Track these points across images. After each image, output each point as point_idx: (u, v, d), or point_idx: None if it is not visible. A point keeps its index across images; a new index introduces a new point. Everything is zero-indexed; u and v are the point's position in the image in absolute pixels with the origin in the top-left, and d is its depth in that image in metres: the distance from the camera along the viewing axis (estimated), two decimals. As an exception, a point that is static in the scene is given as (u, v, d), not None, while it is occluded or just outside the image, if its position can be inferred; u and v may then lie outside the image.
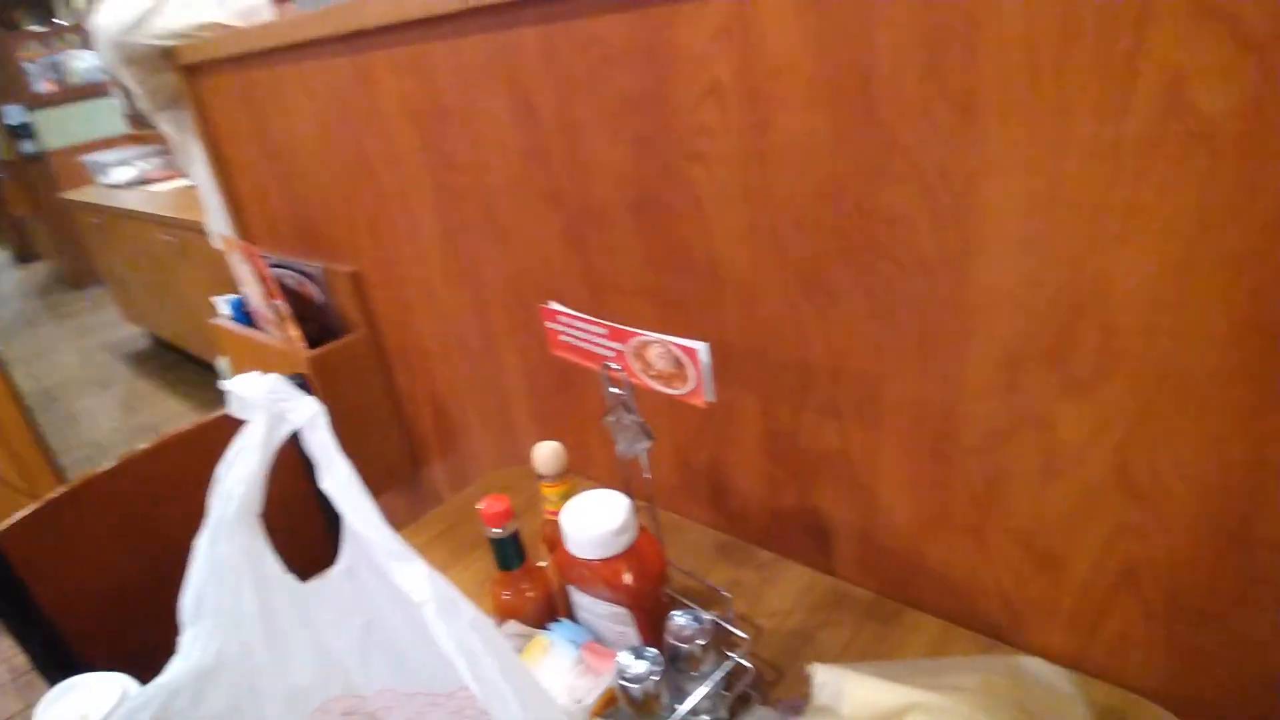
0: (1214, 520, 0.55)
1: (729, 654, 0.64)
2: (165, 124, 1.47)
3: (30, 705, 1.34)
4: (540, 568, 0.72)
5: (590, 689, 0.61)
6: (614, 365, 0.64)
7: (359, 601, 0.53)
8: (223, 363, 1.62)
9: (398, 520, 0.46)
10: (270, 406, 0.48)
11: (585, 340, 0.67)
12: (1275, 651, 0.55)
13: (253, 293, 1.37)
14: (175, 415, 3.05)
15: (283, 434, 0.49)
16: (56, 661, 0.82)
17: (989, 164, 0.55)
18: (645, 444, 0.65)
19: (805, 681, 0.62)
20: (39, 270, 5.47)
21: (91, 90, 4.70)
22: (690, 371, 0.59)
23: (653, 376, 0.62)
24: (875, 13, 0.56)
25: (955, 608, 0.73)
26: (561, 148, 0.83)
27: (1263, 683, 0.57)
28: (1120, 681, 0.63)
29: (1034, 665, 0.62)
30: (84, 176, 3.88)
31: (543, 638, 0.67)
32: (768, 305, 0.74)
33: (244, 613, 0.48)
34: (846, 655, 0.70)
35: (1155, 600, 0.60)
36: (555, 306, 0.68)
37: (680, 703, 0.59)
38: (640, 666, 0.55)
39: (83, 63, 4.70)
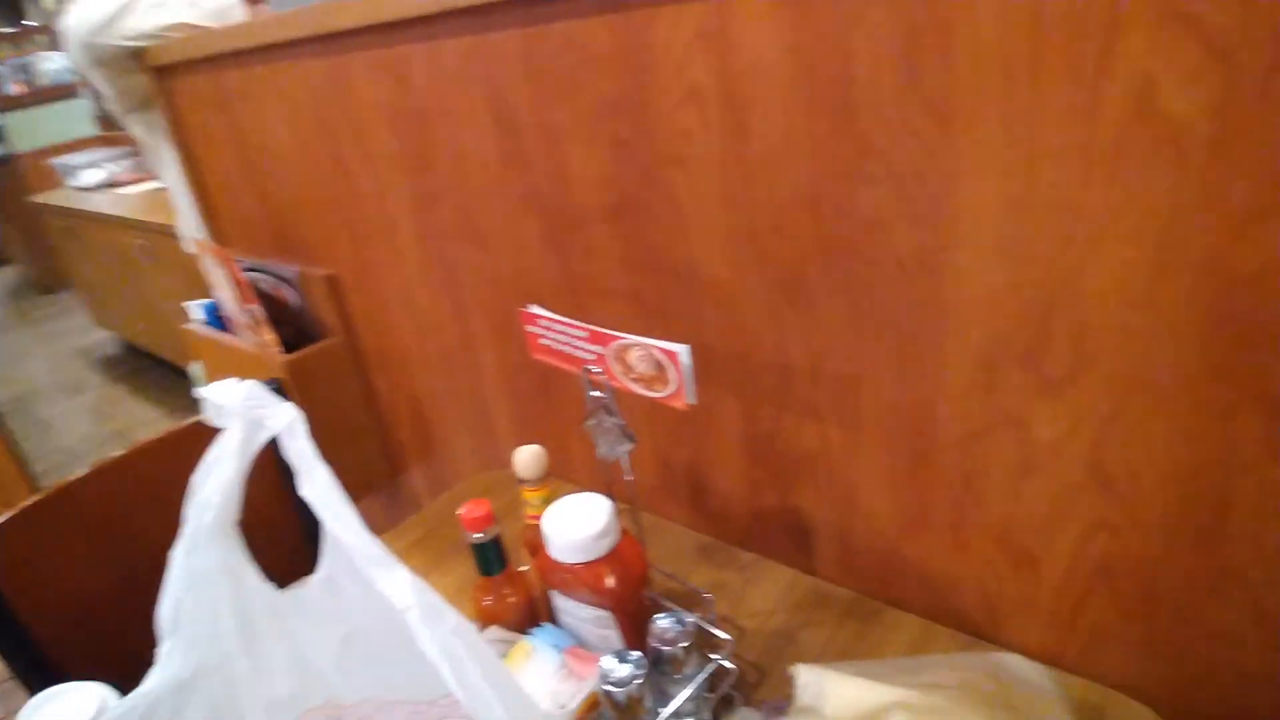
0: (1186, 516, 0.56)
1: (712, 656, 0.64)
2: (135, 126, 1.45)
3: (11, 714, 1.31)
4: (522, 572, 0.72)
5: (573, 694, 0.61)
6: (595, 369, 0.64)
7: (339, 610, 0.52)
8: (195, 368, 1.60)
9: (376, 526, 0.45)
10: (247, 413, 0.47)
11: (566, 344, 0.67)
12: (1249, 645, 0.57)
13: (226, 297, 1.35)
14: (147, 421, 3.01)
15: (260, 441, 0.48)
16: (36, 670, 0.81)
17: (964, 167, 0.56)
18: (627, 447, 0.65)
19: (788, 682, 0.62)
20: (8, 275, 5.36)
21: (61, 92, 4.62)
22: (671, 374, 0.59)
23: (634, 380, 0.62)
24: (852, 18, 0.57)
25: (935, 606, 0.73)
26: (540, 151, 0.83)
27: (1237, 675, 0.58)
28: (1097, 676, 0.64)
29: (1013, 662, 0.62)
30: (53, 179, 3.81)
31: (525, 643, 0.66)
32: (747, 308, 0.74)
33: (222, 623, 0.47)
34: (828, 655, 0.70)
35: (1130, 595, 0.61)
36: (535, 310, 0.68)
37: (664, 706, 0.59)
38: (623, 670, 0.55)
39: (52, 64, 4.61)
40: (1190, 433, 0.53)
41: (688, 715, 0.61)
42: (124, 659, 0.52)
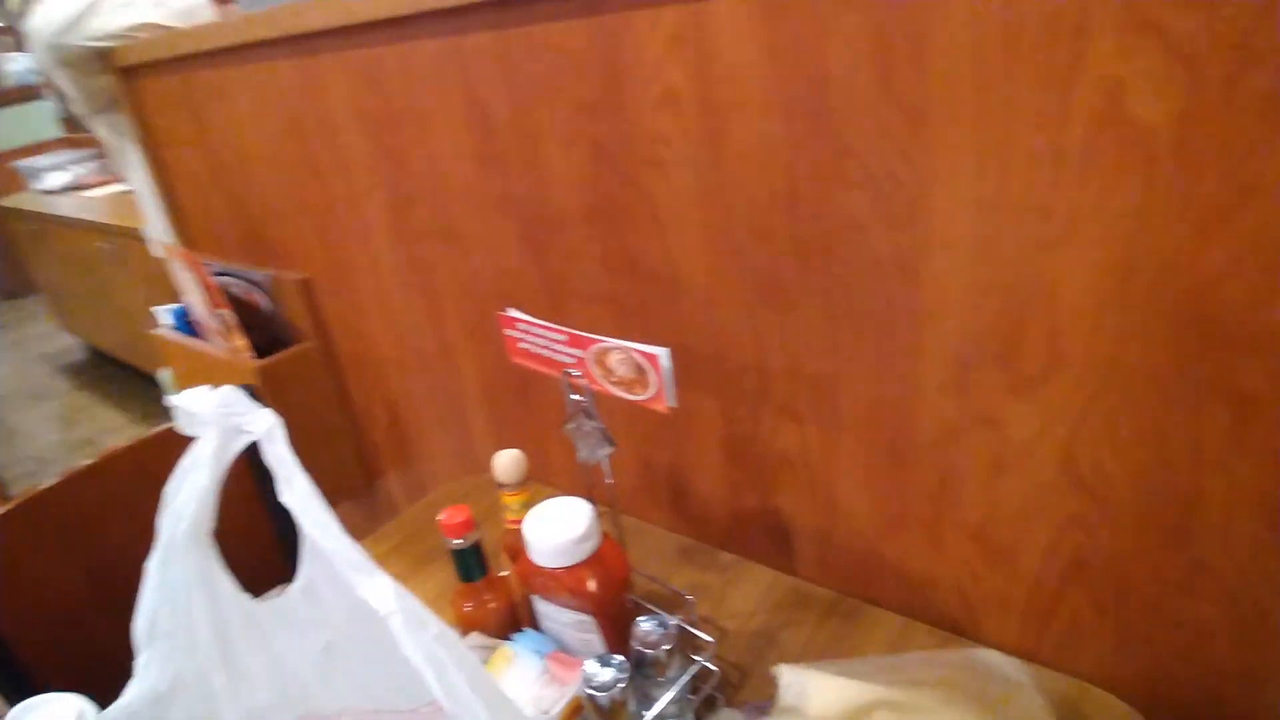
0: (1157, 512, 0.57)
1: (694, 657, 0.64)
2: (101, 128, 1.42)
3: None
4: (502, 577, 0.72)
5: (556, 699, 0.61)
6: (575, 372, 0.64)
7: (319, 619, 0.52)
8: (164, 374, 1.57)
9: (352, 533, 0.45)
10: (222, 421, 0.47)
11: (545, 347, 0.66)
12: (1221, 637, 0.58)
13: (196, 302, 1.33)
14: (115, 428, 2.96)
15: (236, 448, 0.47)
16: (12, 681, 0.79)
17: (939, 170, 0.57)
18: (607, 450, 0.65)
19: (770, 682, 0.62)
20: (-29, 280, 5.23)
21: (24, 93, 4.50)
22: (651, 377, 0.59)
23: (614, 383, 0.62)
24: (827, 22, 0.57)
25: (913, 603, 0.74)
26: (517, 153, 0.83)
27: (1210, 668, 0.60)
28: (1072, 670, 0.65)
29: (991, 658, 0.63)
30: (17, 182, 3.72)
31: (506, 648, 0.66)
32: (726, 310, 0.74)
33: (199, 635, 0.47)
34: (809, 654, 0.71)
35: (1104, 591, 0.62)
36: (514, 313, 0.68)
37: (647, 709, 0.59)
38: (606, 674, 0.55)
39: (16, 66, 4.50)
40: (1159, 430, 0.55)
41: (671, 718, 0.61)
42: (99, 669, 0.51)
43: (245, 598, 0.51)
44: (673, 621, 0.61)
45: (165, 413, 0.48)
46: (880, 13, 0.55)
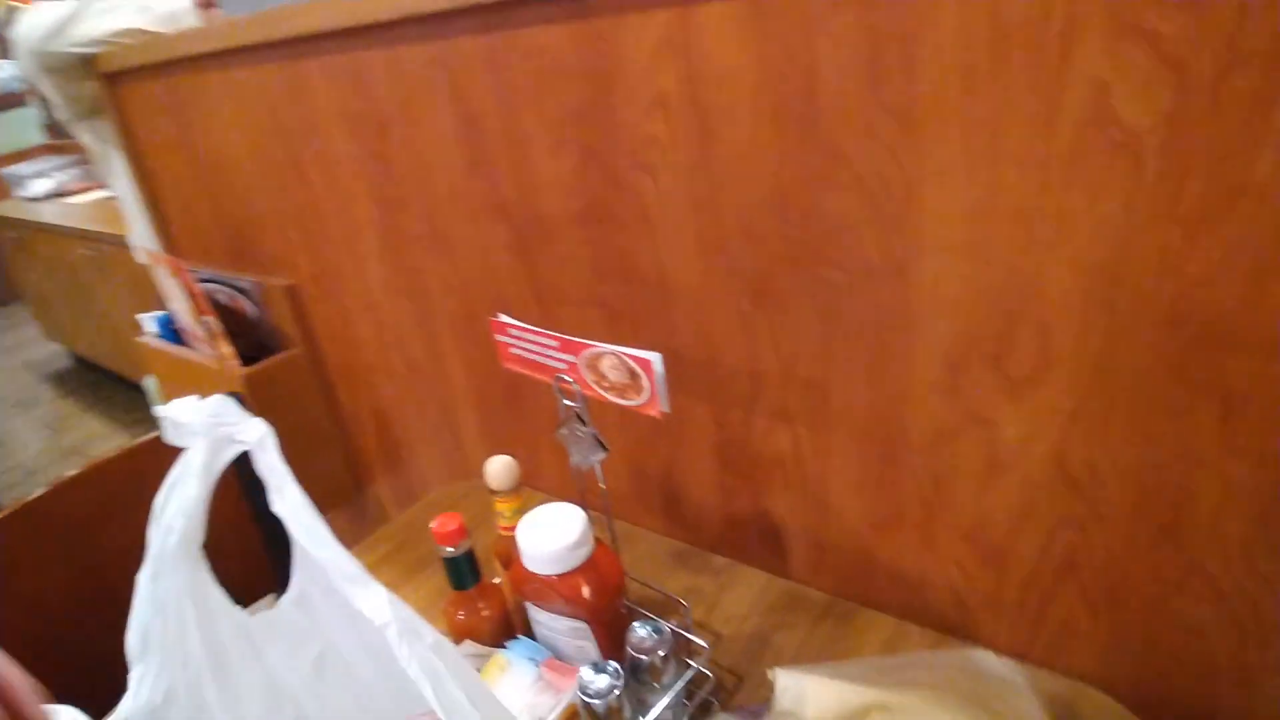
0: (1148, 512, 0.57)
1: (689, 663, 0.64)
2: (84, 134, 1.41)
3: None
4: (495, 585, 0.71)
5: (552, 706, 0.61)
6: (567, 378, 0.63)
7: (311, 631, 0.51)
8: (150, 382, 1.55)
9: (342, 541, 0.44)
10: (211, 431, 0.46)
11: (536, 353, 0.66)
12: (1213, 636, 0.58)
13: (181, 309, 1.31)
14: (101, 436, 2.94)
15: (226, 459, 0.47)
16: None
17: (928, 173, 0.57)
18: (600, 455, 0.65)
19: (765, 686, 0.62)
20: (-44, 288, 5.17)
21: (9, 101, 4.46)
22: (644, 382, 0.59)
23: (606, 388, 0.62)
24: (816, 26, 0.57)
25: (907, 604, 0.74)
26: (506, 158, 0.82)
27: (1202, 666, 0.60)
28: (1066, 670, 0.65)
29: (987, 659, 0.63)
30: (1, 190, 3.69)
31: (500, 656, 0.66)
32: (717, 314, 0.74)
33: (190, 648, 0.46)
34: (803, 656, 0.71)
35: (1096, 590, 0.62)
36: (505, 319, 0.67)
37: (643, 715, 0.59)
38: (602, 681, 0.55)
39: (0, 73, 4.46)
40: (1150, 430, 0.55)
41: (666, 723, 0.61)
42: (91, 680, 0.51)
43: (237, 610, 0.50)
44: (668, 627, 0.61)
45: (152, 420, 0.47)
46: (869, 16, 0.55)
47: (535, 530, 0.63)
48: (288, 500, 0.43)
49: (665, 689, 0.60)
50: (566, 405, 0.64)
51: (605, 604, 0.64)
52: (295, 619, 0.51)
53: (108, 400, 3.22)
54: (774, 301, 0.70)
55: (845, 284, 0.65)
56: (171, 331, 1.39)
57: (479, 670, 0.65)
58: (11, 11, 1.28)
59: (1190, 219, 0.48)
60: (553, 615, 0.64)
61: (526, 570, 0.63)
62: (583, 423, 0.64)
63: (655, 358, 0.57)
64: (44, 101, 1.37)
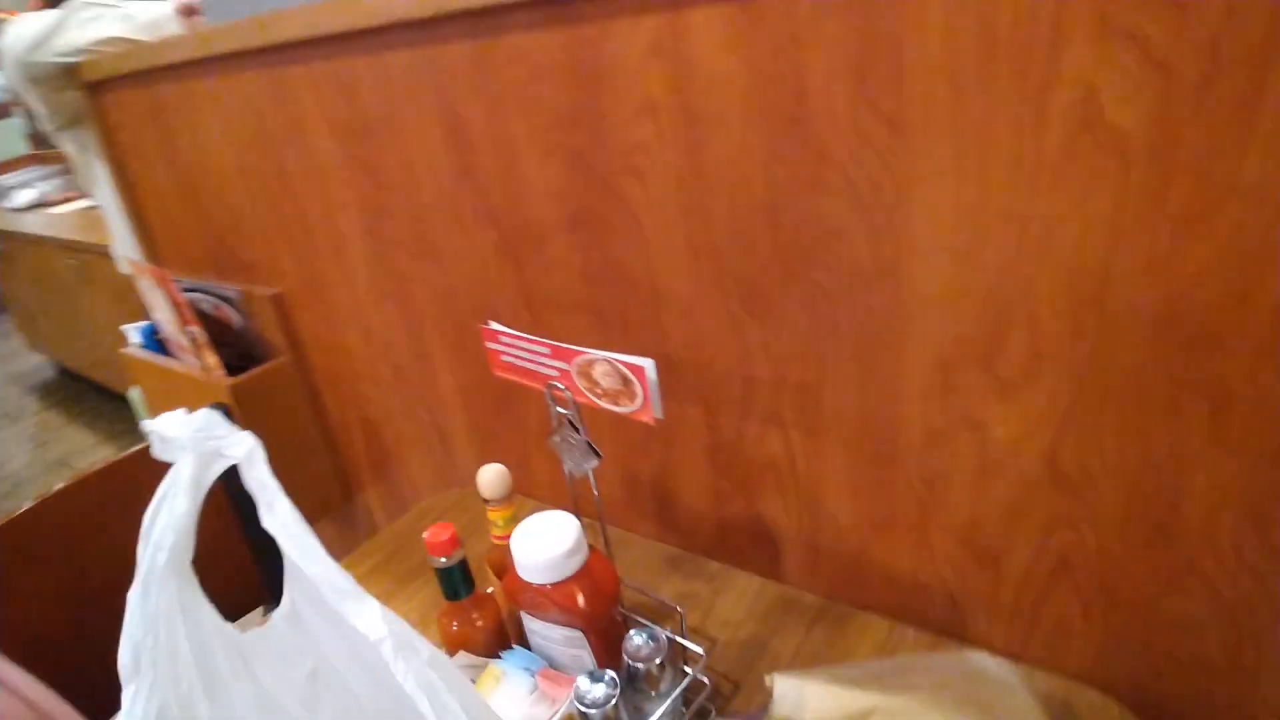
0: (1141, 511, 0.58)
1: (686, 669, 0.64)
2: (67, 143, 1.40)
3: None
4: (489, 595, 0.71)
5: (548, 716, 0.60)
6: (559, 385, 0.63)
7: (304, 646, 0.50)
8: (135, 394, 1.54)
9: (331, 552, 0.44)
10: (199, 446, 0.45)
11: (528, 360, 0.66)
12: (1208, 634, 0.59)
13: (165, 319, 1.30)
14: (87, 448, 2.92)
15: (214, 474, 0.46)
16: None
17: (918, 177, 0.57)
18: (593, 462, 0.64)
19: (761, 691, 0.62)
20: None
21: (-8, 112, 4.41)
22: (637, 389, 0.58)
23: (599, 395, 0.61)
24: (805, 31, 0.57)
25: (901, 607, 0.74)
26: (494, 164, 0.82)
27: (1197, 665, 0.60)
28: (1062, 670, 0.66)
29: (981, 660, 0.63)
30: (-15, 201, 3.64)
31: (495, 667, 0.65)
32: (708, 318, 0.74)
33: (182, 666, 0.45)
34: (799, 660, 0.71)
35: (1090, 590, 0.63)
36: (496, 326, 0.67)
37: (640, 723, 0.58)
38: (598, 690, 0.54)
39: (-17, 84, 4.41)
40: (1141, 429, 0.55)
41: (664, 731, 0.60)
42: (80, 694, 0.50)
43: (229, 627, 0.49)
44: (664, 635, 0.60)
45: (137, 432, 0.47)
46: (857, 21, 0.55)
47: (529, 539, 0.62)
48: (278, 516, 0.43)
49: (662, 697, 0.60)
50: (559, 412, 0.63)
51: (601, 612, 0.63)
52: (288, 634, 0.51)
53: (93, 411, 3.19)
54: (765, 305, 0.70)
55: (836, 287, 0.65)
56: (156, 342, 1.38)
57: (474, 681, 0.65)
58: None
59: (1179, 220, 0.49)
60: (548, 624, 0.64)
61: (520, 579, 0.63)
62: (575, 430, 0.63)
63: (648, 364, 0.57)
64: (29, 112, 1.36)
